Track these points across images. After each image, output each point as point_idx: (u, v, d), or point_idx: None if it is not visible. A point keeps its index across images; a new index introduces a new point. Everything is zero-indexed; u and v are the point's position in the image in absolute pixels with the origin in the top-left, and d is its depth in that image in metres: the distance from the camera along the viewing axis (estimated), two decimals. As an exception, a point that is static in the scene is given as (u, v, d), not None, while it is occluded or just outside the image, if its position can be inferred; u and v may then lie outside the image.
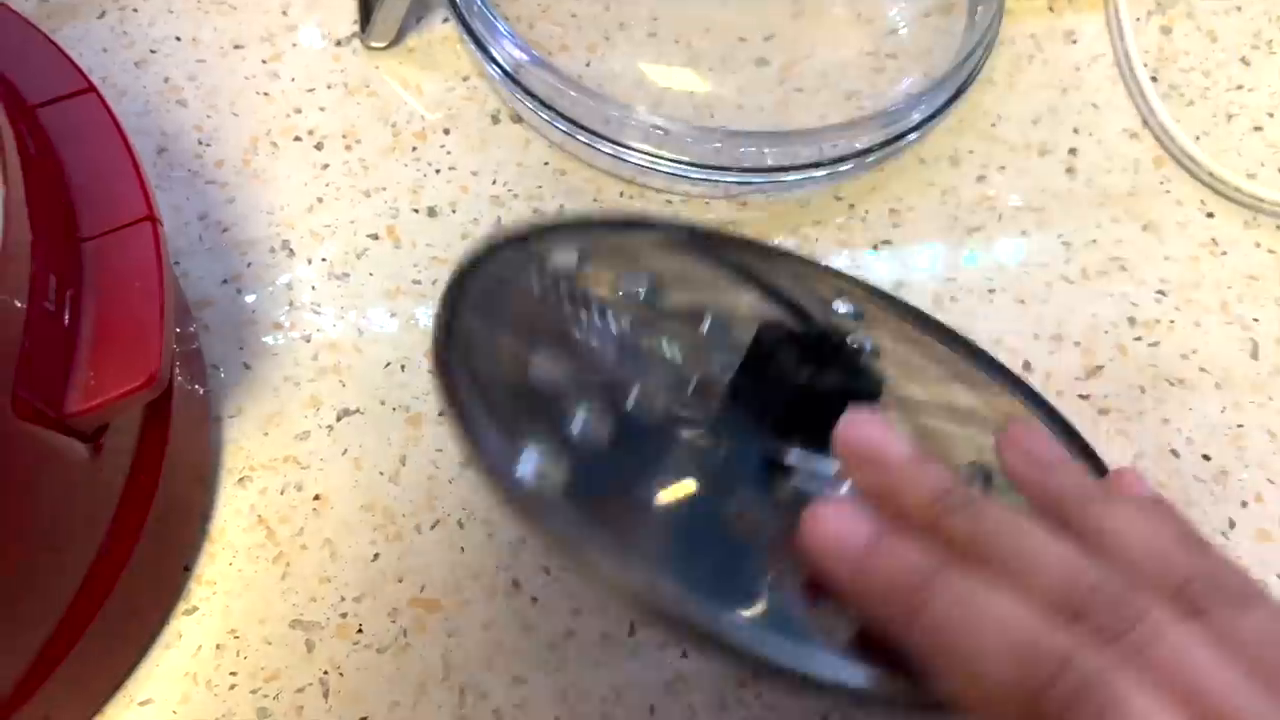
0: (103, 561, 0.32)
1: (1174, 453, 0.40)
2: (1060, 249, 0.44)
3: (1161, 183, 0.45)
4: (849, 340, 0.31)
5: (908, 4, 0.48)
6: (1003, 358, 0.41)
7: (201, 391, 0.38)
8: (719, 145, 0.43)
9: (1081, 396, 0.41)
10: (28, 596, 0.30)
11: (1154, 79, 0.47)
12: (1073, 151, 0.46)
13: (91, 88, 0.34)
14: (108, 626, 0.33)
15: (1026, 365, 0.41)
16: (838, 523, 0.25)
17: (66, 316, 0.30)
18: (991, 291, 0.43)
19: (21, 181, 0.29)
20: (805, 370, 0.29)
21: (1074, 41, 0.48)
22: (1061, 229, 0.44)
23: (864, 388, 0.30)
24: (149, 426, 0.34)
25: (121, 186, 0.33)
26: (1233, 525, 0.39)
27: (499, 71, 0.44)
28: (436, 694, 0.35)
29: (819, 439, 0.29)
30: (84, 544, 0.32)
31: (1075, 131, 0.46)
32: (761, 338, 0.30)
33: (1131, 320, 0.42)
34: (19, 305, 0.28)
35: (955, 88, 0.45)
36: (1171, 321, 0.42)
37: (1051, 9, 0.49)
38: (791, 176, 0.43)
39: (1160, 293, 0.43)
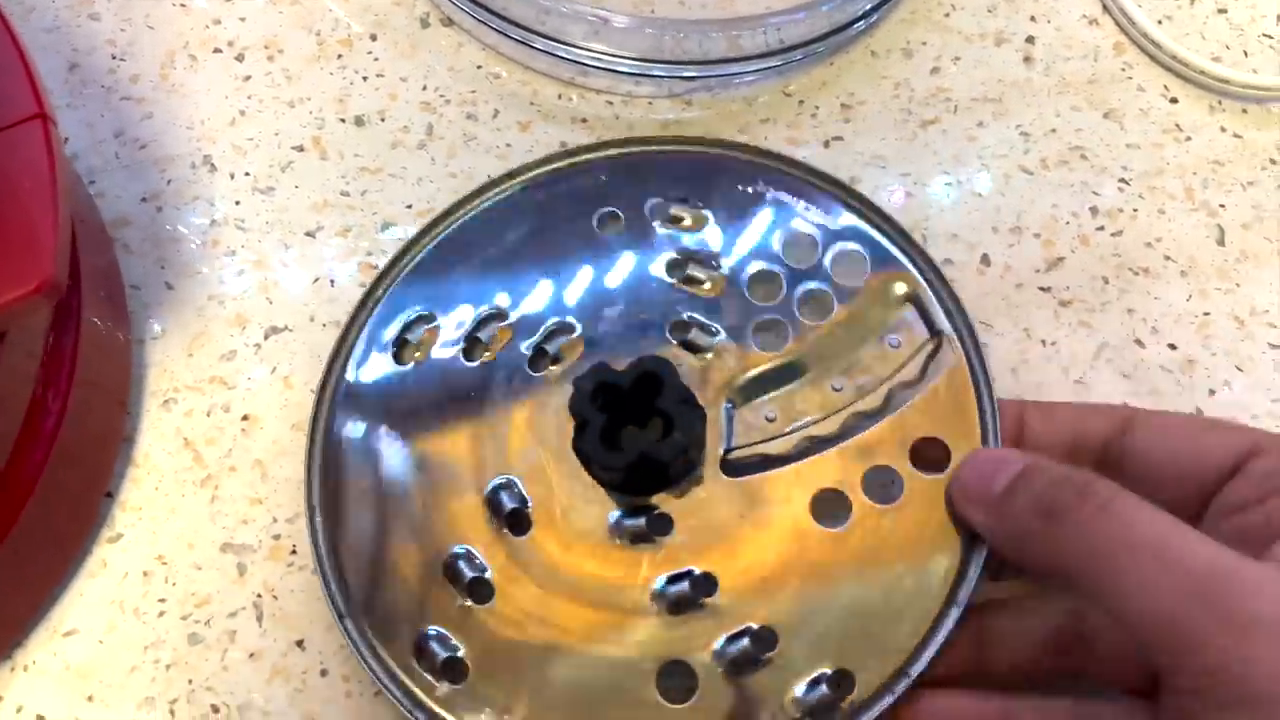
0: (8, 484, 0.31)
1: (1139, 343, 0.38)
2: (1019, 139, 0.42)
3: (1123, 69, 0.43)
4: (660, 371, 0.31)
5: (855, -110, 0.46)
6: (959, 251, 0.39)
7: (118, 311, 0.36)
8: (662, 35, 0.41)
9: (1042, 289, 0.39)
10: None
11: (1114, -38, 0.45)
12: (1030, 40, 0.44)
13: (-25, -16, 0.32)
14: (21, 554, 0.31)
15: (985, 259, 0.40)
16: (992, 463, 0.29)
17: (-52, 220, 0.28)
18: (948, 185, 0.41)
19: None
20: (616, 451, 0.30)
21: (1030, -73, 0.46)
22: (1019, 119, 0.42)
23: (671, 450, 0.30)
24: (56, 344, 0.32)
25: (9, 85, 0.31)
26: (1200, 414, 0.37)
27: (427, -27, 0.42)
28: (375, 614, 0.34)
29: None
30: (-15, 465, 0.30)
31: (1032, 19, 0.44)
32: (574, 409, 0.31)
33: (1094, 210, 0.41)
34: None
35: (906, -25, 0.43)
36: (1135, 210, 0.41)
37: (1007, -106, 0.47)
38: (737, 68, 0.42)
39: (1123, 181, 0.41)
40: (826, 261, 0.35)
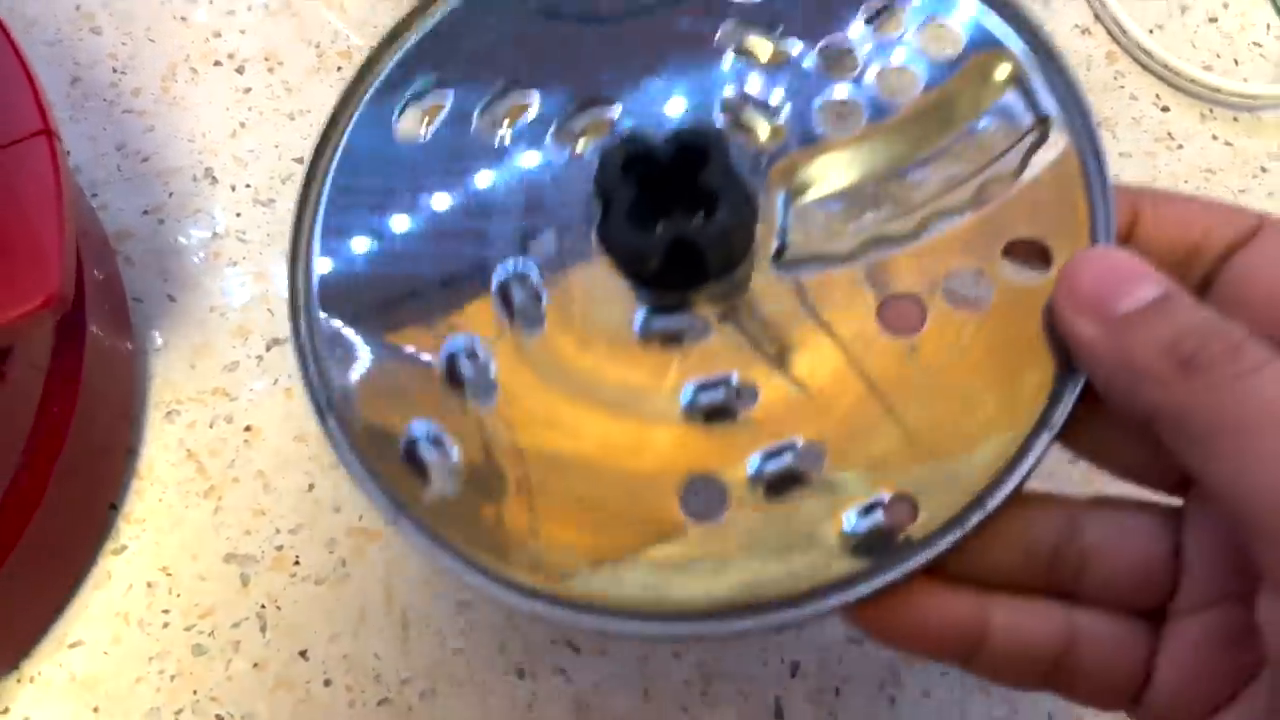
0: (14, 497, 0.31)
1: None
2: (1013, 149, 0.42)
3: (1115, 77, 0.44)
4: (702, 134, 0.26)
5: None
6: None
7: (122, 324, 0.37)
8: None
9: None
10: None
11: (1106, -27, 0.45)
12: (1024, 50, 0.44)
13: (-20, 1, 0.32)
14: (27, 566, 0.32)
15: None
16: (1118, 274, 0.23)
17: (-45, 235, 0.28)
18: (943, 194, 0.41)
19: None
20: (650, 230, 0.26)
21: (1023, -62, 0.47)
22: (1014, 129, 0.43)
23: (713, 236, 0.25)
24: (61, 357, 0.33)
25: (14, 101, 0.31)
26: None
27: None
28: (379, 623, 0.34)
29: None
30: (-9, 478, 0.30)
31: (1026, 29, 0.45)
32: (603, 171, 0.26)
33: (1087, 218, 0.41)
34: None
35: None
36: (1128, 218, 0.41)
37: (999, -94, 0.47)
38: None
39: (1116, 189, 0.42)
40: (913, 31, 0.29)
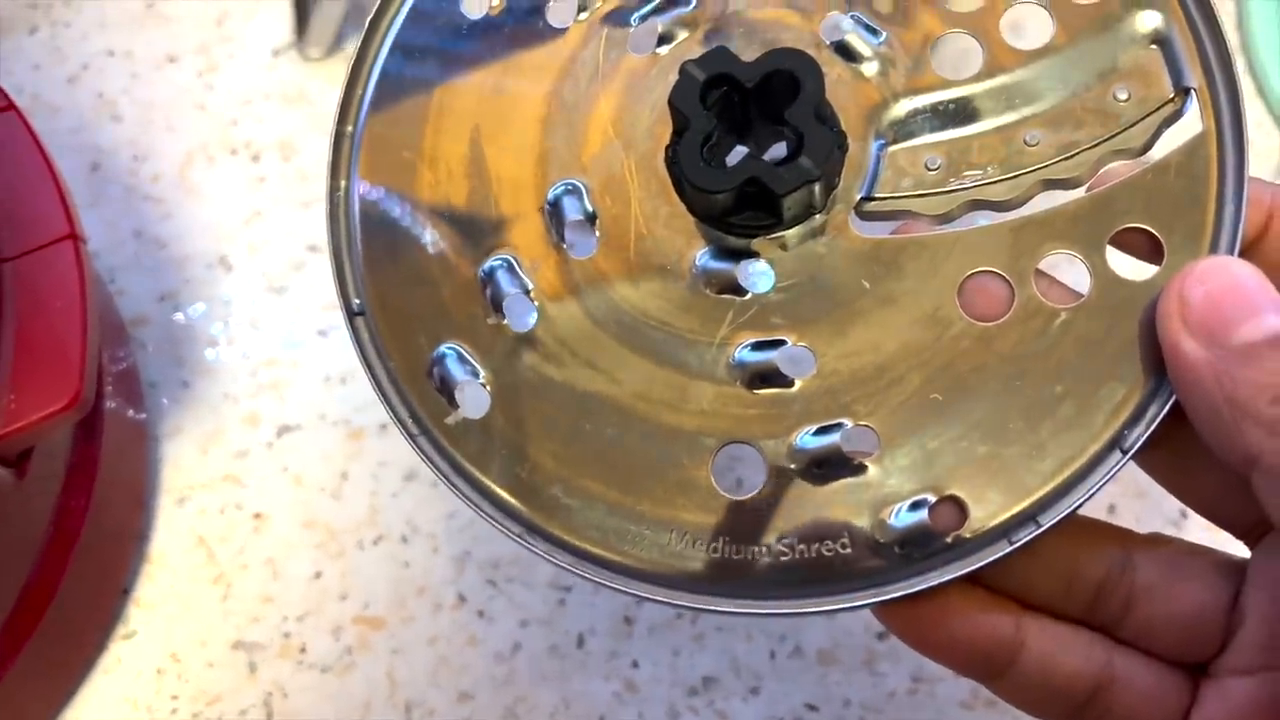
0: (34, 587, 0.32)
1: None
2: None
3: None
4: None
5: None
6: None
7: (137, 411, 0.38)
8: None
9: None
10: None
11: None
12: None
13: (10, 105, 0.33)
14: (41, 653, 0.32)
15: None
16: (1240, 296, 0.20)
17: (-16, 340, 0.29)
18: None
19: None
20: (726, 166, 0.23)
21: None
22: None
23: (790, 180, 0.23)
24: (79, 448, 0.34)
25: (42, 205, 0.32)
26: (1185, 515, 0.39)
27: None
28: (382, 712, 0.35)
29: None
30: (13, 570, 0.31)
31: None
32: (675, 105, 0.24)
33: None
34: (-68, 329, 0.27)
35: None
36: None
37: None
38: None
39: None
40: None
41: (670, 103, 0.23)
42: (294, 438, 0.38)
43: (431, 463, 0.24)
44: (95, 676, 0.35)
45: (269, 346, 0.40)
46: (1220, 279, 0.21)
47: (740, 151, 0.24)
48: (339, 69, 0.45)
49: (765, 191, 0.23)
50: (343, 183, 0.26)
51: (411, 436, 0.24)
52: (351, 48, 0.27)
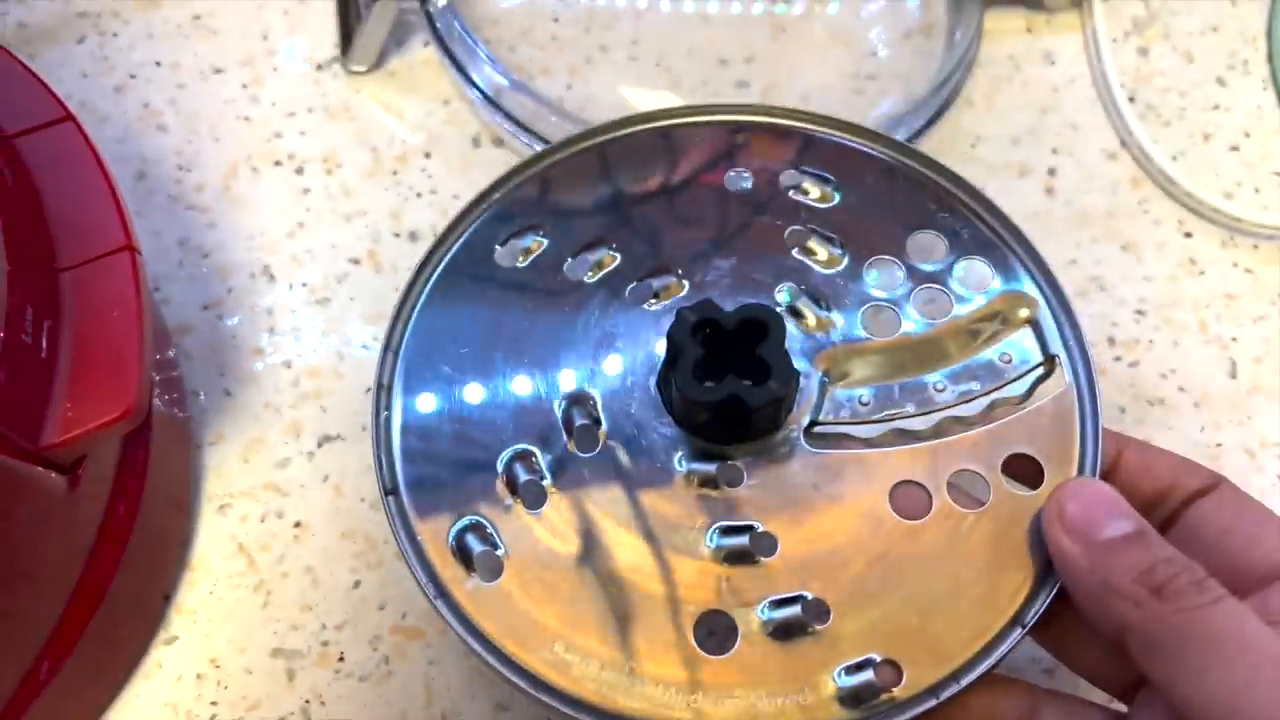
0: (81, 593, 0.32)
1: (1154, 473, 0.40)
2: (1040, 269, 0.44)
3: (1140, 203, 0.45)
4: (763, 317, 0.30)
5: (887, 26, 0.49)
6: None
7: (181, 418, 0.38)
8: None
9: (1062, 417, 0.41)
10: (6, 630, 0.30)
11: (1131, 100, 0.47)
12: (1051, 172, 0.46)
13: (69, 116, 0.34)
14: (86, 658, 0.33)
15: (1007, 386, 0.41)
16: (1103, 506, 0.28)
17: (44, 348, 0.29)
18: (972, 312, 0.43)
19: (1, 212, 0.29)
20: (707, 388, 0.29)
21: (1052, 63, 0.49)
22: (1041, 249, 0.44)
23: (761, 398, 0.29)
24: (128, 456, 0.34)
25: (99, 216, 0.32)
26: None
27: (479, 95, 0.44)
28: (419, 722, 0.35)
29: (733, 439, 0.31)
30: (62, 576, 0.32)
31: (1054, 152, 0.46)
32: (671, 339, 0.30)
33: (1111, 340, 0.43)
34: (-5, 338, 0.27)
35: (935, 109, 0.45)
36: (1151, 341, 0.43)
37: (1029, 30, 0.49)
38: (773, 198, 0.43)
39: (1139, 312, 0.43)
40: (952, 266, 0.34)
41: (669, 336, 0.30)
42: (335, 448, 0.39)
43: (449, 622, 0.29)
44: (136, 681, 0.35)
45: (311, 357, 0.40)
46: (1087, 493, 0.29)
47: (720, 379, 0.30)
48: (382, 84, 0.46)
49: (741, 406, 0.29)
50: (384, 393, 0.32)
51: (431, 599, 0.29)
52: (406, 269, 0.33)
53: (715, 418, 0.30)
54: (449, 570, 0.29)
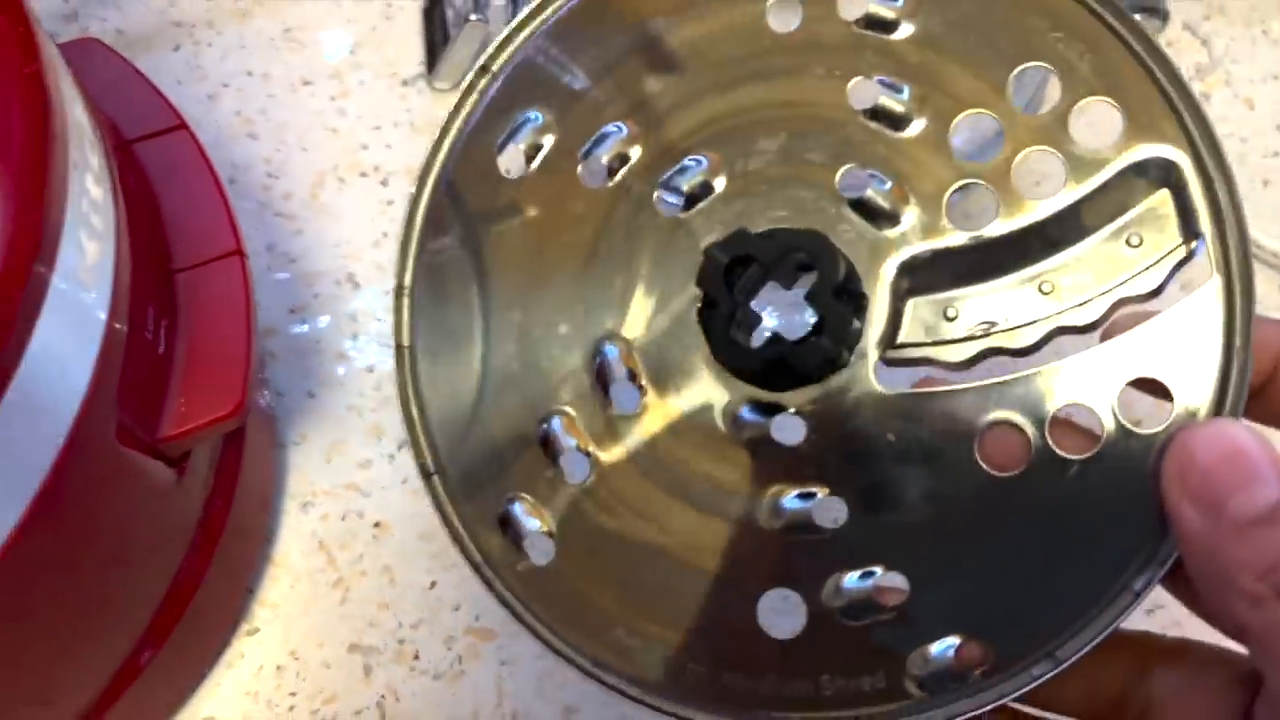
0: (180, 582, 0.34)
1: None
2: (1100, 306, 0.45)
3: (1199, 245, 0.46)
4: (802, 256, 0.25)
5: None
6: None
7: (269, 418, 0.39)
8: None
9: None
10: (115, 615, 0.32)
11: (1192, 143, 0.48)
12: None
13: (183, 125, 0.36)
14: (179, 645, 0.34)
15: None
16: (1241, 465, 0.21)
17: (161, 345, 0.31)
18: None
19: (125, 214, 0.30)
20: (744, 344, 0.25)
21: (1115, 104, 0.50)
22: (1101, 286, 0.45)
23: (811, 357, 0.25)
24: (225, 452, 0.35)
25: (211, 221, 0.34)
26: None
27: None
28: (490, 721, 0.36)
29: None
30: (166, 564, 0.33)
31: (1115, 192, 0.47)
32: (701, 283, 0.25)
33: (1168, 378, 0.43)
34: (122, 333, 0.29)
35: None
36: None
37: (1093, 72, 0.51)
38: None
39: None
40: (1068, 114, 0.25)
41: (698, 282, 0.25)
42: (414, 452, 0.40)
43: (507, 605, 0.26)
44: (219, 670, 0.37)
45: (393, 363, 0.41)
46: (1220, 445, 0.22)
47: (769, 314, 0.26)
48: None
49: (790, 365, 0.25)
50: (408, 356, 0.27)
51: (487, 582, 0.26)
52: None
53: (766, 370, 0.26)
54: (500, 552, 0.26)
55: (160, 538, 0.32)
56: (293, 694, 0.37)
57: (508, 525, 0.26)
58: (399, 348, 0.27)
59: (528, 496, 0.26)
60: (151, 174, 0.34)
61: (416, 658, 0.37)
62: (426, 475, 0.27)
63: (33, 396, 0.24)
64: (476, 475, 0.27)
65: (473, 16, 0.45)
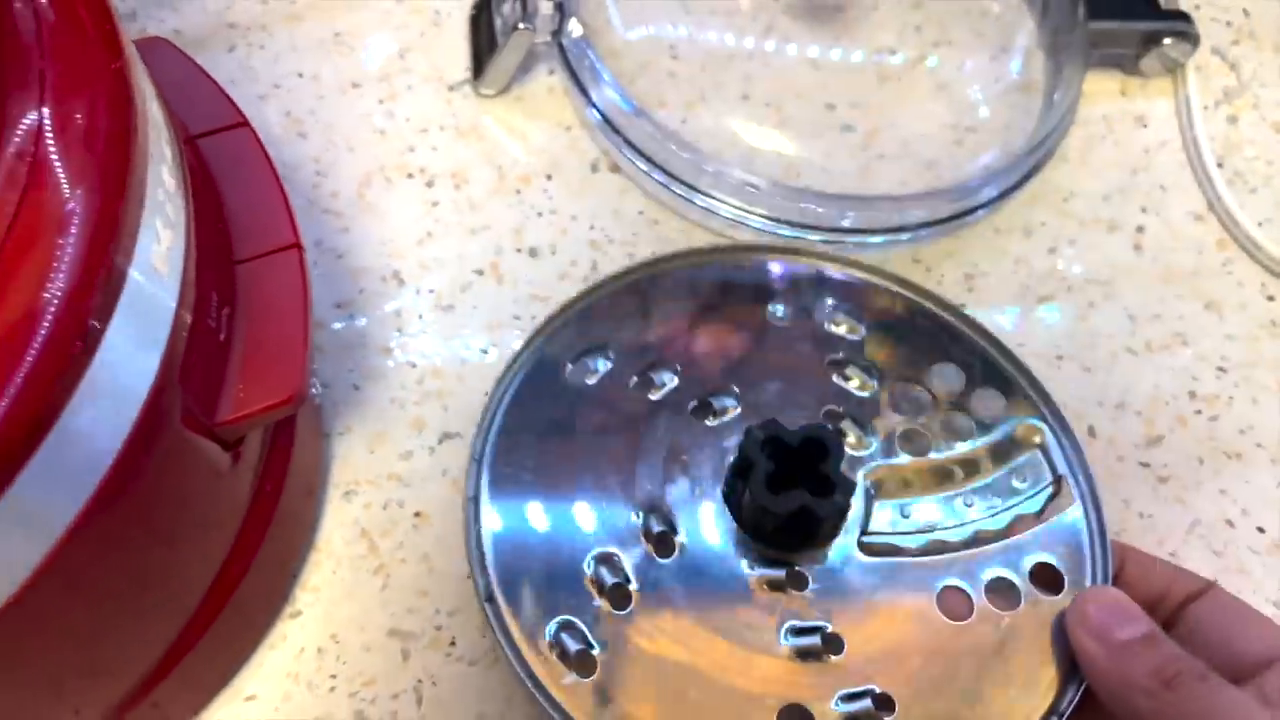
0: (230, 563, 0.35)
1: (1229, 523, 0.42)
2: (1126, 322, 0.46)
3: (1224, 264, 0.47)
4: (828, 439, 0.33)
5: (989, 83, 0.51)
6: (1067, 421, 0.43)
7: (316, 408, 0.41)
8: (805, 205, 0.45)
9: (1142, 464, 0.43)
10: (168, 593, 0.33)
11: (1219, 165, 0.49)
12: (1140, 229, 0.48)
13: (245, 122, 0.37)
14: (227, 626, 0.35)
15: (1091, 430, 0.43)
16: (1118, 611, 0.32)
17: (222, 333, 0.32)
18: (1059, 358, 0.45)
19: (193, 205, 0.31)
20: (774, 497, 0.33)
21: (1144, 126, 0.51)
22: (1127, 303, 0.46)
23: (829, 510, 0.33)
24: (275, 440, 0.36)
25: (270, 215, 0.35)
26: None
27: (600, 118, 0.47)
28: (522, 708, 0.37)
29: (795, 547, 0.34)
30: (217, 546, 0.34)
31: (1143, 210, 0.48)
32: (743, 451, 0.34)
33: (1192, 394, 0.44)
34: (188, 320, 0.30)
35: (1031, 165, 0.47)
36: (1231, 397, 0.44)
37: (1123, 93, 0.52)
38: (871, 239, 0.46)
39: (1220, 369, 0.45)
40: (971, 396, 0.38)
41: (740, 450, 0.34)
42: (454, 445, 0.41)
43: (552, 715, 0.31)
44: (263, 651, 0.38)
45: (435, 359, 0.43)
46: (1104, 600, 0.33)
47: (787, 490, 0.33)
48: (508, 108, 0.49)
49: (810, 516, 0.33)
50: (474, 505, 0.34)
51: (535, 692, 0.31)
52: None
53: (783, 526, 0.33)
54: (546, 668, 0.32)
55: (213, 520, 0.34)
56: (333, 676, 0.38)
57: (557, 644, 0.32)
58: (468, 499, 0.34)
59: (576, 621, 0.33)
60: (214, 168, 0.35)
61: (453, 644, 0.38)
62: (488, 599, 0.33)
63: (110, 377, 0.26)
64: (531, 601, 0.33)
65: (520, 25, 0.46)
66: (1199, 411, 0.44)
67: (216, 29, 0.49)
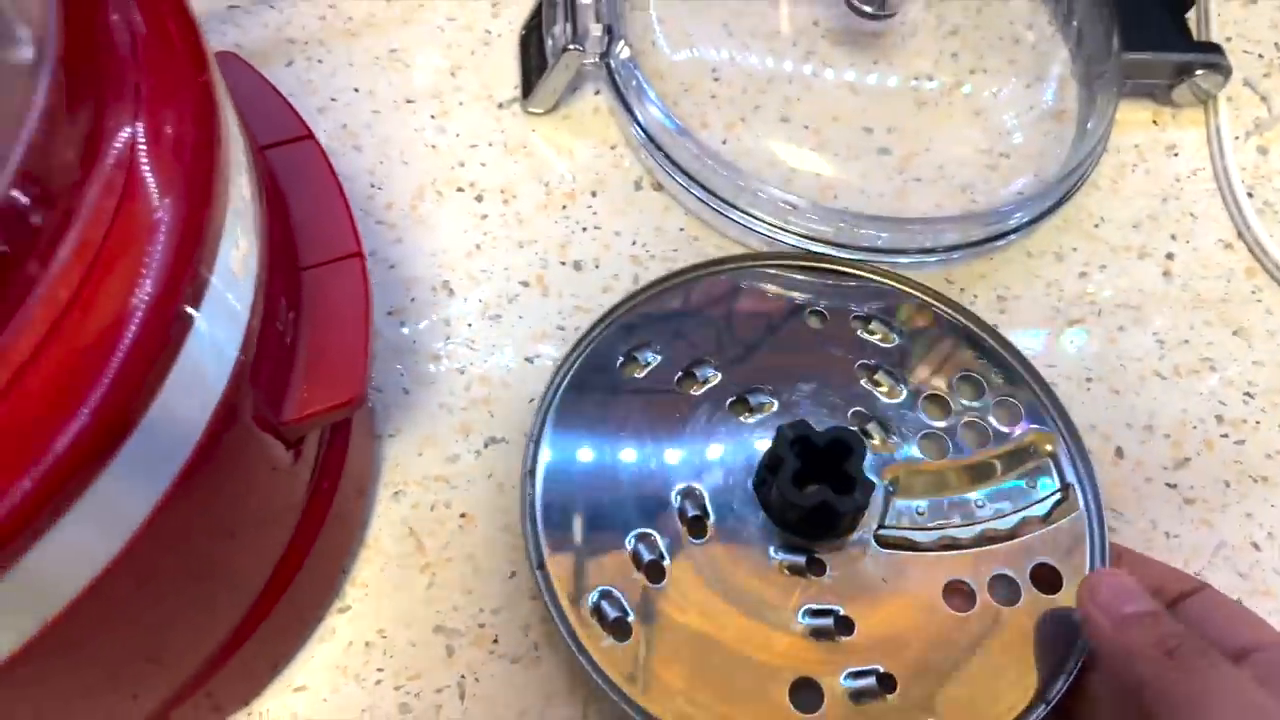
0: (286, 557, 0.36)
1: (1255, 545, 0.43)
2: (1154, 346, 0.47)
3: (1253, 292, 0.48)
4: (852, 441, 0.37)
5: (1023, 110, 0.52)
6: (1095, 443, 0.44)
7: (369, 411, 0.42)
8: (841, 225, 0.47)
9: (1169, 485, 0.44)
10: (228, 585, 0.34)
11: (1250, 195, 0.50)
12: (1170, 256, 0.49)
13: (310, 135, 0.38)
14: (281, 618, 0.36)
15: (1119, 451, 0.44)
16: (1126, 590, 0.34)
17: (289, 336, 0.34)
18: (1089, 380, 0.46)
19: (265, 212, 0.33)
20: (799, 492, 0.36)
21: (1175, 154, 0.52)
22: (1156, 328, 0.47)
23: (848, 506, 0.36)
24: (331, 440, 0.38)
25: (334, 225, 0.37)
26: (1306, 618, 0.41)
27: (644, 136, 0.48)
28: (562, 706, 0.39)
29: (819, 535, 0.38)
30: (277, 539, 0.36)
31: (1173, 238, 0.49)
32: (774, 448, 0.37)
33: (1219, 418, 0.45)
34: (259, 323, 0.32)
35: (1064, 191, 0.48)
36: (1257, 422, 0.45)
37: (1155, 123, 0.53)
38: (905, 259, 0.47)
39: (1248, 394, 0.46)
40: (989, 405, 0.42)
41: (772, 447, 0.37)
42: (499, 449, 0.43)
43: (591, 673, 0.35)
44: (313, 644, 0.39)
45: (482, 366, 0.44)
46: (1113, 579, 0.35)
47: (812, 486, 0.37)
48: (556, 126, 0.50)
49: (830, 510, 0.36)
50: (530, 478, 0.38)
51: (577, 652, 0.35)
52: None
53: (806, 518, 0.37)
54: (587, 631, 0.36)
55: (273, 515, 0.35)
56: (380, 670, 0.39)
57: (598, 610, 0.36)
58: (525, 473, 0.38)
59: (616, 591, 0.36)
60: (281, 179, 0.37)
61: (495, 642, 0.40)
62: (539, 566, 0.37)
63: (191, 375, 0.27)
64: (576, 571, 0.37)
65: (570, 46, 0.48)
66: (1226, 435, 0.45)
67: (276, 44, 0.51)
